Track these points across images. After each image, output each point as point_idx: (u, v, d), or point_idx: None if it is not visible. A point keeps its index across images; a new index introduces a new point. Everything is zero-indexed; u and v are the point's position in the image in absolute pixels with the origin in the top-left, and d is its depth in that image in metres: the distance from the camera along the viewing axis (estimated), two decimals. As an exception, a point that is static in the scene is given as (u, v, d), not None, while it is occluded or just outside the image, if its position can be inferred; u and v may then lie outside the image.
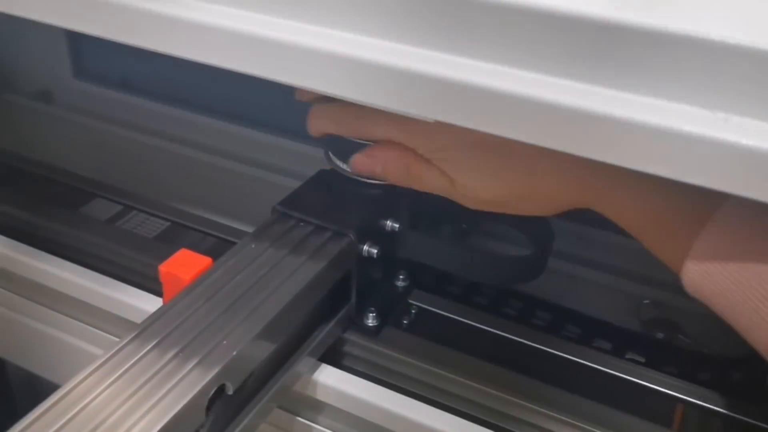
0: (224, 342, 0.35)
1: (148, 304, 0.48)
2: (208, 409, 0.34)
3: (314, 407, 0.45)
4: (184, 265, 0.40)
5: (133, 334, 0.35)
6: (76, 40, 0.77)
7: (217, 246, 0.52)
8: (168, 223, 0.55)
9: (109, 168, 0.72)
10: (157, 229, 0.54)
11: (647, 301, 0.58)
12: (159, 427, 0.31)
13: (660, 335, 0.55)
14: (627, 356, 0.48)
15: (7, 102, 0.80)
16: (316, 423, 0.46)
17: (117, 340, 0.35)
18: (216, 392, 0.34)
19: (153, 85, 0.75)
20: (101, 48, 0.77)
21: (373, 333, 0.45)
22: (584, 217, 0.51)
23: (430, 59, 0.31)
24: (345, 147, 0.46)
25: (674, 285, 0.56)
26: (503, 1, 0.30)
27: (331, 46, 0.32)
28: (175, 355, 0.34)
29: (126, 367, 0.34)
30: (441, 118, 0.31)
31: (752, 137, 0.27)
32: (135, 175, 0.65)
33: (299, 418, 0.46)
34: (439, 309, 0.48)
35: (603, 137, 0.28)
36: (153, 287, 0.49)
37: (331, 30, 0.33)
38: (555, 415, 0.41)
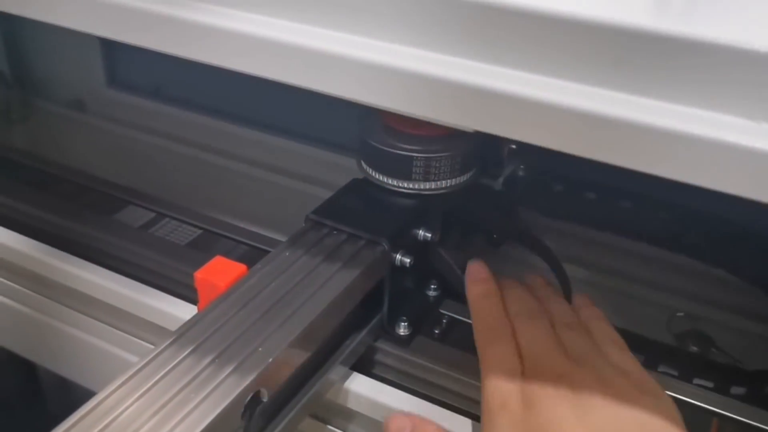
0: (260, 349, 0.35)
1: (180, 311, 0.48)
2: (244, 415, 0.34)
3: (345, 416, 0.45)
4: (220, 272, 0.40)
5: (169, 341, 0.36)
6: (110, 50, 0.78)
7: (248, 254, 0.52)
8: (200, 231, 0.55)
9: (142, 176, 0.72)
10: (189, 237, 0.54)
11: (681, 314, 0.57)
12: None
13: (693, 348, 0.55)
14: (659, 369, 0.48)
15: (42, 110, 0.81)
16: (347, 431, 0.46)
17: (150, 346, 0.36)
18: (252, 399, 0.34)
19: (185, 95, 0.75)
20: (135, 57, 0.78)
21: (404, 342, 0.45)
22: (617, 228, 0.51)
23: (473, 69, 0.31)
24: (378, 156, 0.46)
25: (707, 298, 0.56)
26: (547, 12, 0.30)
27: (367, 55, 0.33)
28: (211, 362, 0.35)
29: (162, 373, 0.34)
30: (480, 128, 0.32)
31: (796, 148, 0.26)
32: (167, 184, 0.65)
33: (330, 427, 0.46)
34: (469, 318, 0.48)
35: (647, 148, 0.28)
36: (185, 294, 0.49)
37: (368, 39, 0.34)
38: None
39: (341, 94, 0.34)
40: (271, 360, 0.35)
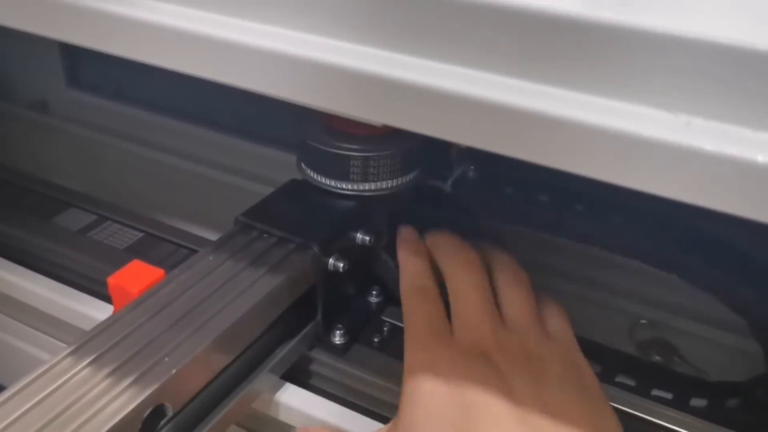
0: (166, 359, 0.33)
1: (106, 314, 0.46)
2: (145, 429, 0.32)
3: (276, 429, 0.43)
4: (134, 276, 0.38)
5: (68, 350, 0.33)
6: (71, 50, 0.77)
7: (187, 257, 0.50)
8: (141, 234, 0.53)
9: (96, 177, 0.71)
10: (129, 240, 0.52)
11: (644, 321, 0.55)
12: (87, 448, 0.29)
13: (656, 358, 0.53)
14: (617, 379, 0.46)
15: (1, 111, 0.79)
16: (280, 445, 0.43)
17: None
18: (152, 412, 0.32)
19: (145, 95, 0.74)
20: (95, 58, 0.76)
21: (340, 351, 0.43)
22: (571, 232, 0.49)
23: (385, 60, 0.29)
24: (317, 156, 0.44)
25: (672, 305, 0.54)
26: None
27: (272, 45, 0.30)
28: (112, 372, 0.32)
29: (60, 382, 0.32)
30: (388, 122, 0.29)
31: (716, 142, 0.24)
32: (119, 185, 0.63)
33: (262, 440, 0.44)
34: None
35: (555, 141, 0.26)
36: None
37: (273, 28, 0.31)
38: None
39: (252, 87, 0.32)
40: (174, 371, 0.33)
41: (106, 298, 0.48)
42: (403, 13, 0.28)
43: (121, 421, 0.30)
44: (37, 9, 0.34)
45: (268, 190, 0.63)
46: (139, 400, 0.31)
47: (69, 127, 0.77)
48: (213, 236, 0.52)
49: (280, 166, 0.64)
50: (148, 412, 0.31)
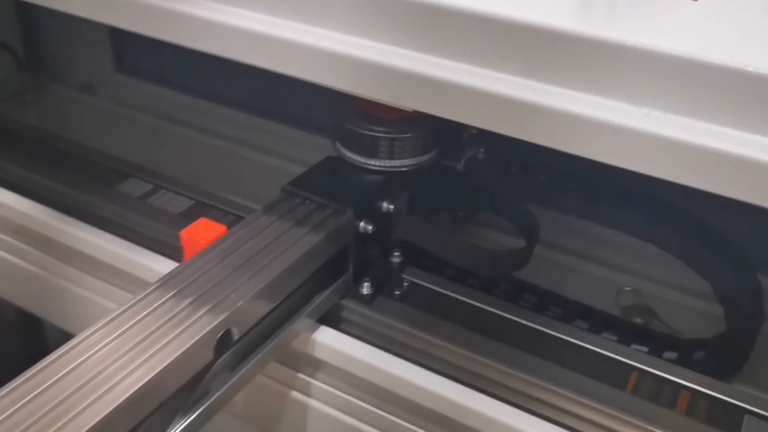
0: (232, 295, 0.41)
1: (169, 268, 0.54)
2: (216, 349, 0.40)
3: (312, 364, 0.51)
4: (203, 231, 0.46)
5: (153, 287, 0.42)
6: (119, 37, 0.85)
7: (234, 222, 0.58)
8: (192, 202, 0.61)
9: (143, 152, 0.79)
10: (182, 206, 0.60)
11: (628, 289, 0.63)
12: (170, 360, 0.37)
13: (637, 320, 0.60)
14: (603, 335, 0.53)
15: (55, 91, 0.88)
16: (314, 378, 0.51)
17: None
18: (223, 335, 0.40)
19: (186, 80, 0.82)
20: (141, 45, 0.84)
21: (367, 301, 0.51)
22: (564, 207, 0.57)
23: (413, 58, 0.37)
24: (351, 137, 0.52)
25: (653, 275, 0.62)
26: (478, 13, 0.36)
27: (335, 46, 0.38)
28: (189, 304, 0.41)
29: (145, 313, 0.40)
30: (418, 107, 0.37)
31: (668, 129, 0.32)
32: (165, 160, 0.71)
33: (299, 374, 0.52)
34: (428, 283, 0.53)
35: (545, 125, 0.34)
36: (175, 256, 0.55)
37: (337, 33, 0.39)
38: (526, 377, 0.47)
39: (308, 78, 0.40)
40: (240, 303, 0.41)
41: (166, 254, 0.56)
42: (434, 24, 0.37)
43: (200, 339, 0.39)
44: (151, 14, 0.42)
45: (292, 167, 0.72)
46: (214, 324, 0.39)
47: (115, 107, 0.85)
48: (251, 204, 0.61)
49: (307, 147, 0.72)
50: (221, 333, 0.40)
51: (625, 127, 0.33)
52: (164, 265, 0.55)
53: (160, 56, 0.83)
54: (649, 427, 0.44)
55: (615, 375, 0.47)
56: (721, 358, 0.53)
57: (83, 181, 0.62)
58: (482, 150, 0.58)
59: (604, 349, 0.49)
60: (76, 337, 0.39)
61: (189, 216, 0.59)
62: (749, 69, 0.30)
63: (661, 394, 0.46)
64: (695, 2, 0.38)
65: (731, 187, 0.31)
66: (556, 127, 0.35)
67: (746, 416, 0.46)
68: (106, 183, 0.63)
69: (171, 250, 0.56)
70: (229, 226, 0.54)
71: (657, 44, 0.32)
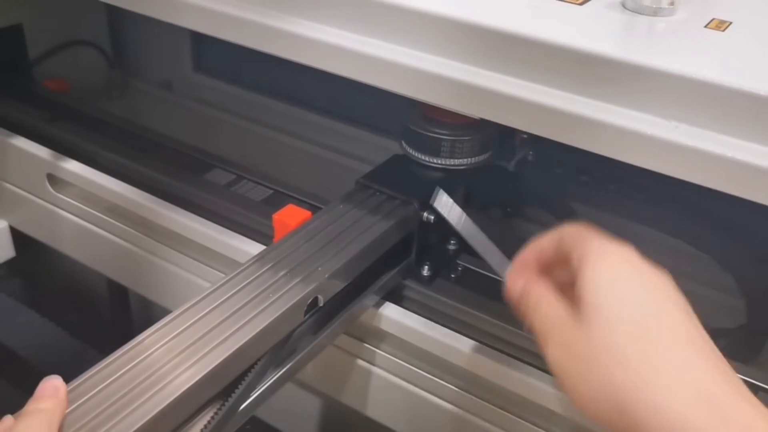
0: (319, 269, 0.49)
1: (253, 248, 0.62)
2: (306, 313, 0.48)
3: (378, 336, 0.59)
4: (292, 215, 0.54)
5: (251, 261, 0.49)
6: (198, 39, 0.93)
7: (309, 209, 0.65)
8: (271, 191, 0.69)
9: (220, 146, 0.87)
10: (263, 195, 0.68)
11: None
12: (268, 321, 0.45)
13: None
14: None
15: (138, 88, 0.96)
16: (379, 349, 0.59)
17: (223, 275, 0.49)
18: (312, 302, 0.48)
19: (260, 82, 0.90)
20: (218, 46, 0.92)
21: (427, 281, 0.58)
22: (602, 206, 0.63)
23: (481, 74, 0.45)
24: (416, 138, 0.59)
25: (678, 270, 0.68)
26: (537, 39, 0.43)
27: (403, 60, 0.46)
28: (284, 275, 0.48)
29: (245, 283, 0.48)
30: (483, 115, 0.45)
31: (694, 140, 0.39)
32: (242, 153, 0.79)
33: (366, 344, 0.59)
34: (479, 268, 0.60)
35: (590, 134, 0.41)
36: (258, 238, 0.63)
37: (403, 48, 0.47)
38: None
39: (390, 89, 0.48)
40: (326, 276, 0.48)
41: (250, 236, 0.64)
42: (498, 46, 0.44)
43: (294, 304, 0.46)
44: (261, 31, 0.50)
45: (355, 164, 0.79)
46: (305, 291, 0.47)
47: (192, 104, 0.94)
48: (321, 194, 0.68)
49: (369, 147, 0.80)
50: (311, 299, 0.47)
51: (657, 137, 0.40)
52: (248, 246, 0.63)
53: (235, 58, 0.91)
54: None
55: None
56: (740, 347, 0.59)
57: (175, 169, 0.70)
58: (531, 153, 0.65)
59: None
60: (185, 304, 0.46)
61: (270, 204, 0.67)
62: (761, 93, 0.37)
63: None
64: (723, 33, 0.45)
65: (741, 187, 0.38)
66: (598, 135, 0.42)
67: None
68: (193, 171, 0.71)
69: (255, 233, 0.63)
70: (310, 212, 0.62)
71: (685, 69, 0.39)
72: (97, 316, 0.95)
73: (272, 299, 0.46)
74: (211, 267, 0.67)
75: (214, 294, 0.46)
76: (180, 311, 0.45)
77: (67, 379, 0.39)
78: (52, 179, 0.74)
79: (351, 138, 0.83)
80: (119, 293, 0.94)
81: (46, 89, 0.84)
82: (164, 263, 0.70)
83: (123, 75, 0.97)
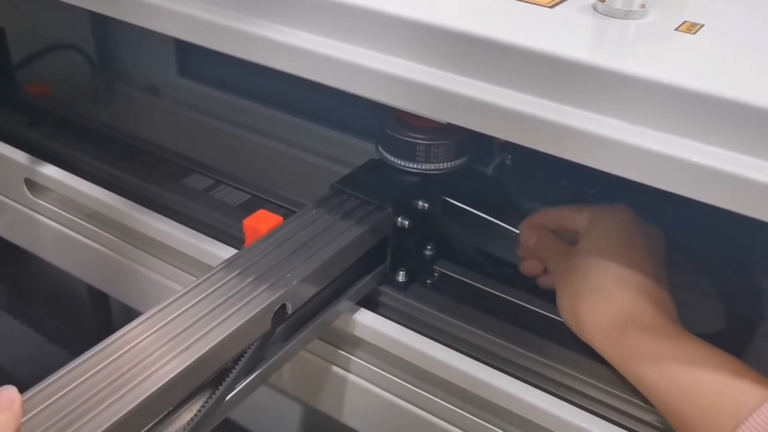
0: (288, 275, 0.48)
1: (228, 253, 0.61)
2: (273, 321, 0.47)
3: (351, 342, 0.58)
4: (262, 220, 0.53)
5: (220, 266, 0.49)
6: (182, 45, 0.93)
7: (286, 214, 0.64)
8: (248, 196, 0.68)
9: (203, 150, 0.86)
10: (240, 200, 0.68)
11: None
12: (233, 328, 0.44)
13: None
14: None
15: (123, 93, 0.96)
16: (353, 355, 0.58)
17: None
18: (279, 309, 0.47)
19: (243, 86, 0.89)
20: (202, 53, 0.91)
21: (402, 287, 0.58)
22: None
23: (450, 79, 0.44)
24: (392, 142, 0.59)
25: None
26: (505, 42, 0.42)
27: (372, 64, 0.45)
28: (251, 282, 0.48)
29: (214, 288, 0.47)
30: (451, 120, 0.44)
31: (659, 145, 0.38)
32: (224, 157, 0.79)
33: (340, 351, 0.59)
34: (456, 274, 0.60)
35: (558, 139, 0.40)
36: (234, 243, 0.63)
37: (372, 52, 0.46)
38: (542, 360, 0.52)
39: (360, 93, 0.47)
40: (295, 282, 0.48)
41: (226, 242, 0.63)
42: (467, 50, 0.43)
43: (259, 311, 0.46)
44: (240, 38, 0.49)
45: (336, 167, 0.79)
46: (272, 298, 0.46)
47: (178, 109, 0.93)
48: (301, 199, 0.68)
49: (353, 150, 0.79)
50: (277, 307, 0.47)
51: (623, 142, 0.39)
52: (224, 251, 0.62)
53: (218, 63, 0.90)
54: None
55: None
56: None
57: (153, 174, 0.70)
58: (509, 156, 0.64)
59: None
60: (153, 308, 0.45)
61: (246, 208, 0.66)
62: (726, 96, 0.37)
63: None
64: (693, 35, 0.44)
65: (708, 193, 0.37)
66: (566, 140, 0.41)
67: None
68: (172, 177, 0.70)
69: (230, 238, 0.63)
70: (284, 217, 0.61)
71: (652, 73, 0.39)
72: (77, 322, 0.94)
73: (238, 306, 0.46)
74: (189, 273, 0.66)
75: (178, 302, 0.46)
76: (143, 318, 0.45)
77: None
78: (30, 184, 0.73)
79: (333, 141, 0.82)
80: (100, 299, 0.93)
81: (28, 94, 0.84)
82: (143, 269, 0.69)
83: (107, 80, 0.97)
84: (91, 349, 0.42)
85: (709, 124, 0.38)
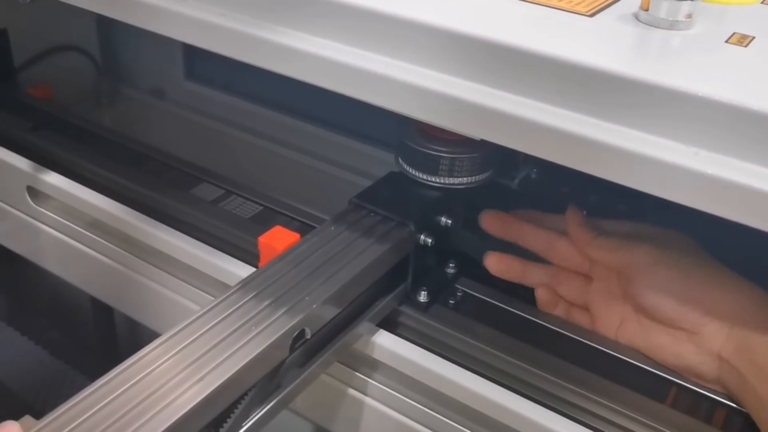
0: (307, 298, 0.46)
1: (241, 270, 0.58)
2: (291, 346, 0.44)
3: (370, 365, 0.55)
4: (279, 238, 0.50)
5: (235, 288, 0.46)
6: (189, 47, 0.89)
7: (299, 228, 0.62)
8: (261, 208, 0.65)
9: (211, 158, 0.84)
10: (252, 212, 0.65)
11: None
12: (254, 355, 0.42)
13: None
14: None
15: (128, 95, 0.93)
16: (371, 378, 0.55)
17: (211, 298, 0.46)
18: (298, 334, 0.44)
19: (252, 90, 0.86)
20: (210, 55, 0.89)
21: (423, 308, 0.55)
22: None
23: (480, 91, 0.41)
24: (413, 155, 0.56)
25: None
26: (542, 54, 0.39)
27: (398, 75, 0.42)
28: (269, 305, 0.45)
29: (227, 312, 0.44)
30: (485, 137, 0.41)
31: (715, 167, 0.35)
32: (233, 165, 0.76)
33: (358, 374, 0.56)
34: (480, 294, 0.57)
35: (600, 159, 0.38)
36: (245, 258, 0.60)
37: (401, 63, 0.43)
38: (566, 384, 0.50)
39: (383, 105, 0.44)
40: (314, 306, 0.45)
41: (237, 256, 0.60)
42: (500, 61, 0.40)
43: (278, 338, 0.43)
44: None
45: (350, 176, 0.76)
46: (291, 324, 0.43)
47: (185, 113, 0.90)
48: (313, 212, 0.65)
49: (370, 161, 0.76)
50: (296, 333, 0.44)
51: (674, 164, 0.36)
52: (233, 266, 0.59)
53: (228, 66, 0.87)
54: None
55: (655, 388, 0.50)
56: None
57: (160, 183, 0.67)
58: (535, 170, 0.61)
59: (646, 365, 0.52)
60: (164, 334, 0.43)
61: (259, 221, 0.63)
62: (791, 117, 0.34)
63: (699, 409, 0.49)
64: (745, 48, 0.41)
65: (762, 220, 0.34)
66: (608, 160, 0.38)
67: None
68: (180, 186, 0.67)
69: (241, 252, 0.60)
70: (296, 231, 0.59)
71: (705, 89, 0.36)
72: (80, 334, 0.91)
73: (255, 332, 0.43)
74: (197, 288, 0.63)
75: (190, 328, 0.43)
76: (154, 346, 0.42)
77: (47, 401, 0.37)
78: (33, 192, 0.70)
79: (349, 150, 0.79)
80: (103, 310, 0.90)
81: (30, 97, 0.81)
82: (148, 282, 0.67)
83: (112, 82, 0.94)
84: (104, 376, 0.40)
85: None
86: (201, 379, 0.40)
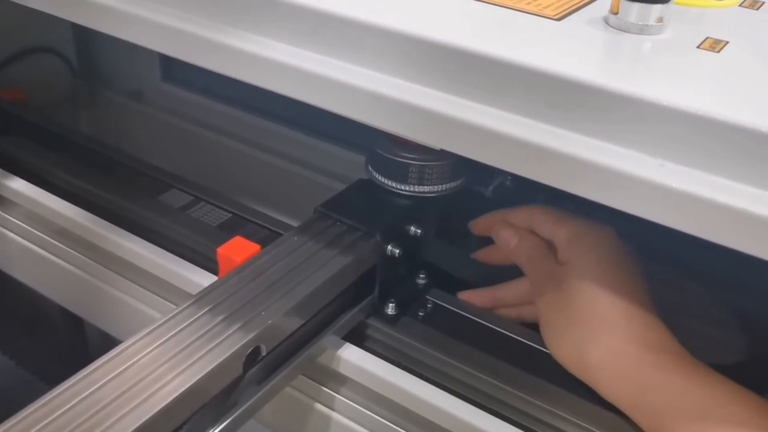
0: (263, 313, 0.44)
1: (205, 280, 0.57)
2: (245, 365, 0.42)
3: (337, 380, 0.53)
4: (238, 249, 0.49)
5: (189, 302, 0.44)
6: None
7: (268, 237, 0.60)
8: (230, 215, 0.64)
9: (185, 162, 0.82)
10: (220, 219, 0.63)
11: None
12: (202, 374, 0.40)
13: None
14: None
15: (105, 98, 0.91)
16: (338, 393, 0.54)
17: (175, 306, 0.44)
18: (252, 352, 0.42)
19: (229, 92, 0.85)
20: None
21: (391, 321, 0.53)
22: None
23: (442, 99, 0.39)
24: (382, 162, 0.54)
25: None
26: (505, 60, 0.37)
27: (358, 82, 0.41)
28: (223, 320, 0.43)
29: (180, 328, 0.43)
30: (444, 147, 0.39)
31: (680, 181, 0.34)
32: (207, 170, 0.74)
33: (324, 388, 0.54)
34: (451, 306, 0.55)
35: (564, 170, 0.36)
36: (211, 267, 0.58)
37: (358, 68, 0.42)
38: (538, 402, 0.48)
39: (344, 113, 0.42)
40: (270, 322, 0.43)
41: (202, 265, 0.59)
42: (462, 67, 0.38)
43: (231, 355, 0.41)
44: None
45: (324, 180, 0.74)
46: (244, 341, 0.42)
47: (161, 115, 0.88)
48: (286, 219, 0.63)
49: (346, 164, 0.74)
50: (250, 350, 0.42)
51: (638, 176, 0.34)
52: (200, 276, 0.57)
53: (204, 68, 0.86)
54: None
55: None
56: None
57: (128, 190, 0.65)
58: (509, 178, 0.60)
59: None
60: (120, 345, 0.41)
61: (226, 228, 0.62)
62: (763, 129, 0.32)
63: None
64: (718, 54, 0.39)
65: (732, 237, 0.32)
66: (572, 172, 0.36)
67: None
68: (149, 193, 0.66)
69: (208, 262, 0.58)
70: (264, 240, 0.57)
71: (674, 98, 0.34)
72: (49, 343, 0.90)
73: (206, 349, 0.41)
74: (163, 298, 0.61)
75: (138, 344, 0.41)
76: (104, 360, 0.40)
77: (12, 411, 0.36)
78: (-2, 198, 0.69)
79: (328, 154, 0.77)
80: (73, 319, 0.89)
81: (1, 100, 0.79)
82: (114, 291, 0.65)
83: (88, 85, 0.92)
84: (50, 392, 0.38)
85: (738, 158, 0.33)
86: (152, 395, 0.38)
